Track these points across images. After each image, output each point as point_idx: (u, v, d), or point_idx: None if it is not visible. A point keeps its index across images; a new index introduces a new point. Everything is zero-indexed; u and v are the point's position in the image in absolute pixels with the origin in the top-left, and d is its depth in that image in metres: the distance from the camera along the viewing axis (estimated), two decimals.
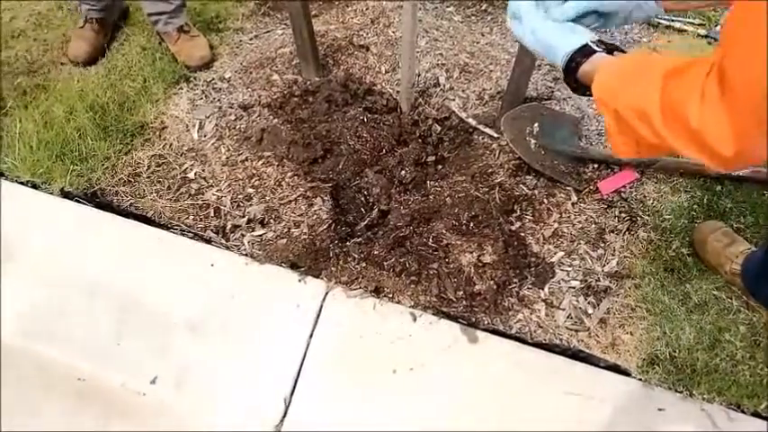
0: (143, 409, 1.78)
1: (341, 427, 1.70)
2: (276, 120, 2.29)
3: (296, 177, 2.14)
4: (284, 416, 1.74)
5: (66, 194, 2.13)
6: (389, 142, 2.21)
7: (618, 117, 0.84)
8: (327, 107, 2.29)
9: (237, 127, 2.31)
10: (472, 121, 2.29)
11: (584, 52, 0.95)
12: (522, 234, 2.01)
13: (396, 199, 2.09)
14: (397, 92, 2.37)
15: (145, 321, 1.89)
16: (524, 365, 1.74)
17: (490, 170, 2.17)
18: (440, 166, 2.20)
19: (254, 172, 2.17)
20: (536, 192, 2.10)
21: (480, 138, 2.26)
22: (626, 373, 1.70)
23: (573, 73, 0.96)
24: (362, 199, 2.10)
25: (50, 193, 2.12)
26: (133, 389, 1.81)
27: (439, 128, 2.28)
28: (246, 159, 2.21)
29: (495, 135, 2.25)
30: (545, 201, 2.08)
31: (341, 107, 2.30)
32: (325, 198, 2.06)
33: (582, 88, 0.97)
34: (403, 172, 2.15)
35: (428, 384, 1.74)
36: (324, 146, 2.17)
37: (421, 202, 2.09)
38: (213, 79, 2.51)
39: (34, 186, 2.14)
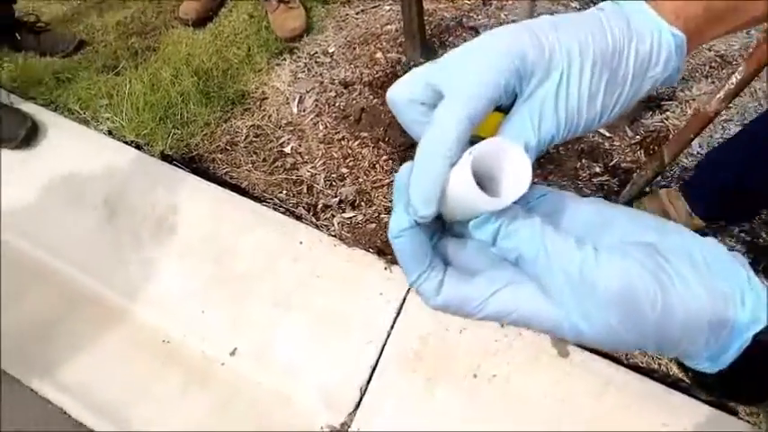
0: (220, 380, 1.80)
1: (412, 426, 1.65)
2: (376, 100, 2.24)
3: (390, 161, 2.08)
4: (357, 405, 1.71)
5: (165, 157, 2.17)
6: None
7: None
8: None
9: (337, 104, 2.27)
10: None
11: None
12: None
13: None
14: None
15: (230, 292, 1.90)
16: (616, 387, 1.63)
17: (585, 173, 2.03)
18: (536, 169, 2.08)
19: (350, 152, 2.13)
20: None
21: (592, 135, 2.12)
22: (732, 412, 1.56)
23: None
24: None
25: (151, 155, 2.16)
26: (213, 358, 1.83)
27: None
28: (343, 138, 2.17)
29: (608, 134, 2.10)
30: None
31: None
32: None
33: None
34: None
35: (509, 395, 1.65)
36: None
37: None
38: (317, 53, 2.48)
39: (138, 147, 2.19)
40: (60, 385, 1.78)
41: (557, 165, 2.05)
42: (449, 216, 0.45)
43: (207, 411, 1.74)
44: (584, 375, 1.65)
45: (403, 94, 0.46)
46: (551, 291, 0.42)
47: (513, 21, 2.06)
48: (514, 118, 0.45)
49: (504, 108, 0.46)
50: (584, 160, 2.05)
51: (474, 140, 0.42)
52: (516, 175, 0.41)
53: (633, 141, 2.08)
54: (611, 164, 2.04)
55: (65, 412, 1.74)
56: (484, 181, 0.42)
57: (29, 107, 2.30)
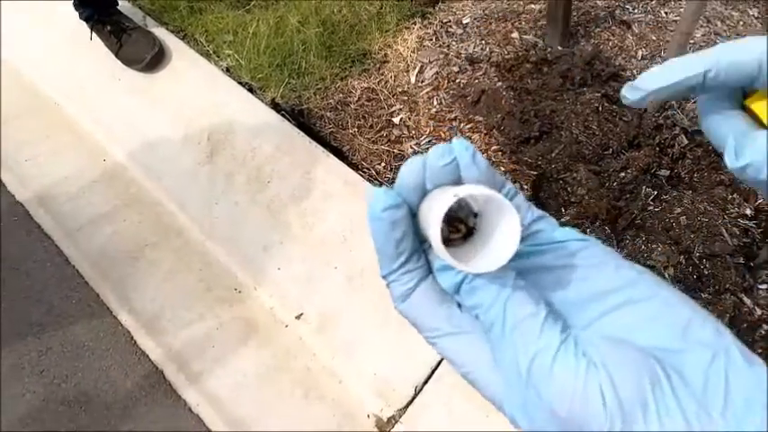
0: (280, 341, 1.77)
1: None
2: (500, 83, 2.07)
3: (500, 153, 1.92)
4: (409, 403, 1.63)
5: (275, 105, 2.13)
6: (619, 142, 1.89)
7: None
8: (561, 83, 2.01)
9: (458, 81, 2.12)
10: None
11: None
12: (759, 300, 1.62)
13: (599, 205, 1.79)
14: None
15: (308, 255, 1.86)
16: None
17: (734, 210, 1.77)
18: (670, 186, 1.85)
19: (459, 135, 1.99)
20: None
21: None
22: None
23: None
24: (564, 197, 1.83)
25: (262, 101, 2.13)
26: (279, 317, 1.81)
27: (686, 141, 1.89)
28: (455, 119, 2.03)
29: None
30: None
31: (576, 87, 2.00)
32: (525, 186, 1.83)
33: None
34: (623, 175, 1.84)
35: None
36: (542, 126, 1.92)
37: (633, 216, 1.78)
38: (449, 22, 2.33)
39: (250, 90, 2.17)
40: (132, 309, 1.83)
41: (706, 187, 1.81)
42: (421, 231, 0.39)
43: (259, 368, 1.73)
44: None
45: None
46: (500, 368, 0.36)
47: (675, 21, 1.80)
48: None
49: None
50: (736, 195, 1.80)
51: (748, 115, 0.38)
52: (503, 238, 0.36)
53: None
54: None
55: (132, 337, 1.79)
56: (477, 215, 0.39)
57: (160, 32, 2.34)
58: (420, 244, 0.39)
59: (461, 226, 0.38)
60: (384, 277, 0.39)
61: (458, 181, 0.37)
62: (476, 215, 0.38)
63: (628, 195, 1.83)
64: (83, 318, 1.81)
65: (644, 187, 1.83)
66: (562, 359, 0.33)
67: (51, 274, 1.89)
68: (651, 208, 1.81)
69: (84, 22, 2.25)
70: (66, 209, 2.03)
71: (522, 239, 0.38)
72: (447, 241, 0.38)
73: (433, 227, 0.34)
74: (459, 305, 0.38)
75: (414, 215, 0.38)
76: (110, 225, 1.99)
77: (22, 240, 1.97)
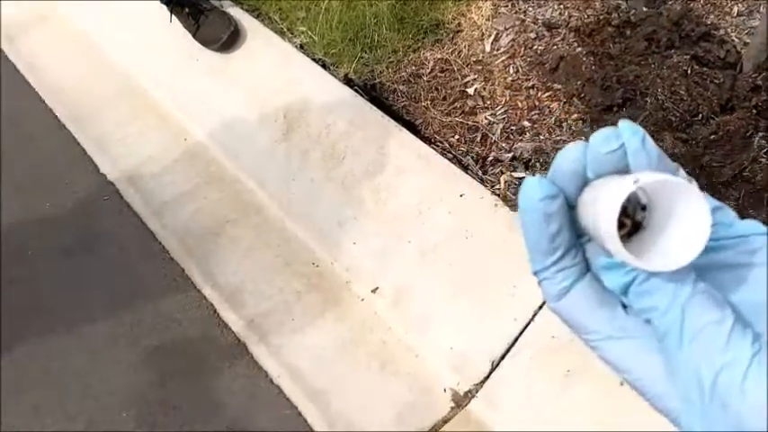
0: (356, 315, 1.80)
1: (538, 415, 1.53)
2: (580, 49, 1.97)
3: (581, 122, 1.84)
4: (486, 378, 1.62)
5: (348, 81, 2.13)
6: (710, 106, 1.77)
7: None
8: (646, 47, 1.89)
9: (534, 48, 2.05)
10: None
11: None
12: None
13: (692, 171, 1.69)
14: (746, 44, 1.86)
15: (382, 230, 1.86)
16: None
17: None
18: None
19: (537, 104, 1.92)
20: None
21: None
22: None
23: None
24: None
25: (335, 77, 2.14)
26: (355, 291, 1.83)
27: None
28: (533, 87, 1.96)
29: None
30: None
31: (662, 50, 1.88)
32: None
33: None
34: (715, 145, 1.72)
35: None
36: (625, 93, 1.82)
37: (741, 168, 1.67)
38: None
39: (324, 66, 2.18)
40: (216, 284, 1.90)
41: None
42: (580, 225, 0.35)
43: (336, 341, 1.76)
44: None
45: None
46: (676, 380, 0.32)
47: None
48: None
49: None
50: None
51: None
52: (685, 231, 0.32)
53: None
54: None
55: (215, 310, 1.86)
56: (646, 209, 0.34)
57: (235, 11, 2.38)
58: (577, 239, 0.35)
59: (627, 221, 0.34)
60: (535, 274, 0.36)
61: (624, 170, 0.33)
62: (644, 208, 0.34)
63: (731, 148, 1.71)
64: (170, 291, 1.90)
65: (756, 138, 1.71)
66: (756, 374, 0.28)
67: (141, 250, 1.99)
68: (763, 161, 1.69)
69: (165, 6, 2.32)
70: (150, 187, 2.12)
71: None
72: None
73: (606, 219, 0.30)
74: (624, 306, 0.34)
75: (570, 207, 0.35)
76: (192, 202, 2.07)
77: (113, 218, 2.07)
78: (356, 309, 1.81)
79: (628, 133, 0.33)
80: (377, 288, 1.81)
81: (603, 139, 0.33)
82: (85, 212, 2.09)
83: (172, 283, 1.92)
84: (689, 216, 0.31)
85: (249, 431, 1.66)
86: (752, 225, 0.34)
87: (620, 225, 0.33)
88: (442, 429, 1.60)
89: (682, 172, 0.35)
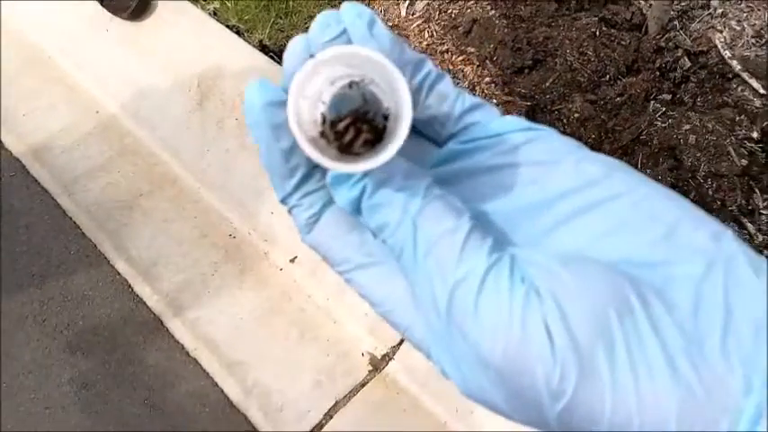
0: (275, 284, 1.78)
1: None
2: (493, 12, 1.98)
3: (493, 85, 1.85)
4: (402, 340, 1.63)
5: (263, 47, 2.08)
6: (617, 67, 1.80)
7: None
8: (556, 9, 1.91)
9: (449, 11, 2.04)
10: (736, 65, 1.77)
11: None
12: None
13: (597, 133, 1.73)
14: (650, 5, 1.90)
15: None
16: None
17: (742, 131, 1.69)
18: (672, 111, 1.76)
19: (451, 68, 1.92)
20: None
21: (740, 89, 1.75)
22: None
23: None
24: (560, 128, 1.77)
25: (250, 44, 2.08)
26: (273, 261, 1.81)
27: (688, 63, 1.80)
28: (447, 51, 1.96)
29: (763, 91, 1.72)
30: None
31: (572, 12, 1.90)
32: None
33: None
34: (621, 107, 1.76)
35: None
36: (536, 55, 1.84)
37: (639, 132, 1.72)
38: None
39: (238, 32, 2.12)
40: (129, 258, 1.85)
41: (712, 107, 1.72)
42: None
43: (254, 311, 1.75)
44: None
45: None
46: (418, 303, 0.27)
47: None
48: None
49: None
50: (744, 117, 1.71)
51: None
52: (400, 123, 0.26)
53: None
54: None
55: (129, 285, 1.81)
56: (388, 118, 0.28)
57: None
58: None
59: (366, 129, 0.29)
60: (282, 202, 0.31)
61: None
62: (386, 118, 0.29)
63: (632, 112, 1.76)
64: (81, 268, 1.84)
65: (652, 102, 1.75)
66: (491, 288, 0.24)
67: (50, 226, 1.92)
68: (659, 123, 1.74)
69: None
70: (61, 162, 2.04)
71: (452, 135, 0.29)
72: (348, 149, 0.29)
73: (291, 117, 0.26)
74: None
75: None
76: (104, 176, 2.00)
77: (20, 195, 1.99)
78: (275, 278, 1.80)
79: (351, 15, 0.28)
80: (295, 257, 1.80)
81: (323, 26, 0.28)
82: None
83: (83, 259, 1.86)
84: (400, 104, 0.26)
85: (164, 406, 1.64)
86: (511, 121, 0.29)
87: (358, 132, 0.29)
88: (359, 392, 1.61)
89: (429, 65, 0.30)
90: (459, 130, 0.30)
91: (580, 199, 0.26)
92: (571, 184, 0.27)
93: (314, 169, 0.30)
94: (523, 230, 0.28)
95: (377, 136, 0.29)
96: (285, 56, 0.29)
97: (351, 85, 0.28)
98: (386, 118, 0.29)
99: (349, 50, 0.26)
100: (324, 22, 0.28)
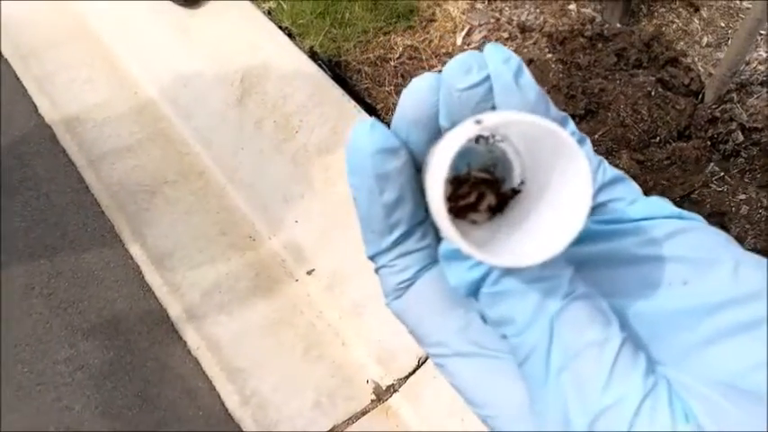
0: (289, 294, 1.73)
1: (464, 414, 1.50)
2: (550, 55, 1.95)
3: None
4: (410, 374, 1.58)
5: (313, 54, 2.06)
6: (668, 130, 1.77)
7: None
8: (615, 62, 1.88)
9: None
10: None
11: None
12: None
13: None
14: (710, 74, 1.87)
15: (328, 212, 1.80)
16: None
17: None
18: (730, 176, 1.72)
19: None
20: None
21: None
22: None
23: None
24: None
25: (300, 48, 2.06)
26: (290, 270, 1.77)
27: (742, 137, 1.76)
28: None
29: None
30: None
31: (630, 68, 1.87)
32: None
33: None
34: (668, 168, 1.72)
35: None
36: (589, 105, 1.80)
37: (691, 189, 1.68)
38: None
39: (290, 35, 2.10)
40: (145, 244, 1.81)
41: (763, 180, 1.68)
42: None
43: (263, 320, 1.70)
44: None
45: None
46: (541, 422, 0.22)
47: (749, 9, 1.65)
48: None
49: None
50: None
51: None
52: (560, 209, 0.22)
53: None
54: None
55: (140, 271, 1.77)
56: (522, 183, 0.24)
57: None
58: (427, 213, 0.25)
59: (489, 193, 0.24)
60: (371, 259, 0.26)
61: None
62: (515, 190, 0.24)
63: (683, 171, 1.72)
64: (95, 246, 1.80)
65: (711, 164, 1.71)
66: (646, 421, 0.20)
67: (70, 199, 1.88)
68: (714, 186, 1.70)
69: None
70: (91, 136, 2.01)
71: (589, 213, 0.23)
72: (463, 214, 0.24)
73: (433, 181, 0.21)
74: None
75: (419, 169, 0.25)
76: (132, 158, 1.97)
77: (46, 163, 1.95)
78: (289, 289, 1.75)
79: (496, 61, 0.23)
80: (313, 270, 1.76)
81: (461, 69, 0.23)
82: (15, 154, 1.96)
83: (98, 237, 1.82)
84: (565, 185, 0.21)
85: (157, 401, 1.58)
86: (657, 203, 0.25)
87: (480, 197, 0.24)
88: (359, 420, 1.56)
89: (571, 125, 0.25)
90: (594, 206, 0.24)
91: (740, 314, 0.22)
92: (729, 292, 0.22)
93: (416, 227, 0.25)
94: (668, 342, 0.23)
95: (499, 204, 0.25)
96: (406, 93, 0.24)
97: (478, 139, 0.23)
98: (514, 191, 0.24)
99: (525, 120, 0.21)
100: (465, 63, 0.23)
